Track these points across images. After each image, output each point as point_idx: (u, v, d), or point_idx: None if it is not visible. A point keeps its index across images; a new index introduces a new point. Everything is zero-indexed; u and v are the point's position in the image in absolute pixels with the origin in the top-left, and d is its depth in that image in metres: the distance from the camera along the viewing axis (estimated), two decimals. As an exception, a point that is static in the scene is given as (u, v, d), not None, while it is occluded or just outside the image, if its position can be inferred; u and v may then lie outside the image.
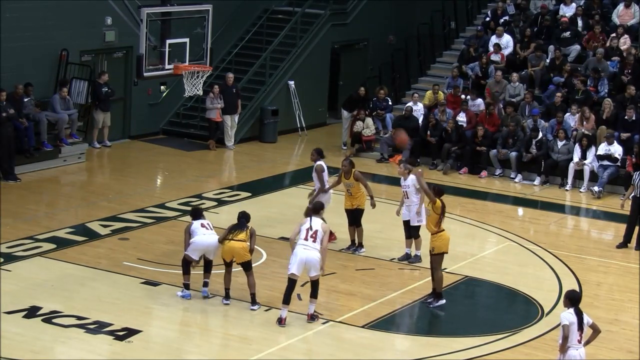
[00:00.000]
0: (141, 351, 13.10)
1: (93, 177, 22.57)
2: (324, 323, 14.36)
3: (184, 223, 18.80)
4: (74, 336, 13.44)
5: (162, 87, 26.08)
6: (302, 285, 15.69)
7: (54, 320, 13.84)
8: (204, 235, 14.98)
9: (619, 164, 22.32)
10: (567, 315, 11.60)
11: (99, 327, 13.68)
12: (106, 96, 24.20)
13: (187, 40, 23.92)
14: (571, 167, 22.63)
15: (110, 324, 13.79)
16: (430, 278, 15.42)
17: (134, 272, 16.00)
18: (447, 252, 15.10)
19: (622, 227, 20.16)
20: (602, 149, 22.48)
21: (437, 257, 14.94)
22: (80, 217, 18.96)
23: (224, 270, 14.96)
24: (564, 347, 11.52)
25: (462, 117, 24.54)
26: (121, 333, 13.56)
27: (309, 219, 14.13)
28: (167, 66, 23.71)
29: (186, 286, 15.01)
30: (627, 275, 17.23)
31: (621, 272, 17.36)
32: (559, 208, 21.57)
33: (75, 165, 22.87)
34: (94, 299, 14.74)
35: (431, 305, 15.08)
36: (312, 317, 14.25)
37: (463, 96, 25.18)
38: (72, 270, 15.99)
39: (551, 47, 26.26)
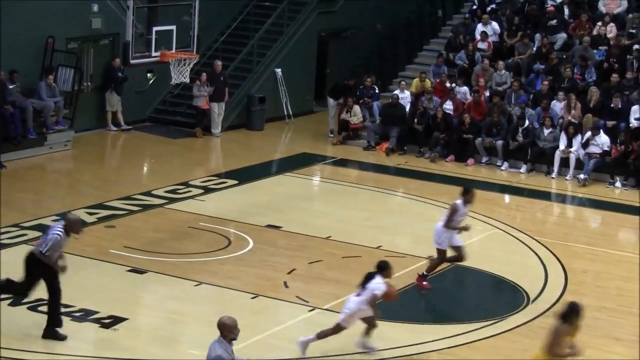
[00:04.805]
0: (128, 339, 13.09)
1: (79, 165, 22.51)
2: (310, 310, 14.38)
3: (171, 211, 18.87)
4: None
5: (148, 75, 26.00)
6: (289, 273, 15.73)
7: (40, 309, 13.79)
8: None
9: (606, 148, 22.35)
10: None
11: (84, 315, 13.65)
12: (122, 80, 24.50)
13: (174, 27, 23.85)
14: (557, 155, 22.67)
15: (96, 312, 13.77)
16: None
17: (121, 259, 15.97)
18: None
19: (608, 215, 20.36)
20: (587, 138, 22.47)
21: None
22: (67, 204, 18.87)
23: (207, 258, 14.90)
24: None
25: (448, 105, 24.55)
26: (107, 321, 13.54)
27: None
28: (153, 53, 23.68)
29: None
30: (612, 262, 17.28)
31: (607, 259, 17.41)
32: (545, 196, 21.62)
33: (61, 153, 22.80)
34: (79, 287, 14.69)
35: None
36: None
37: (448, 84, 25.20)
38: (58, 258, 15.93)
39: (538, 35, 26.29)
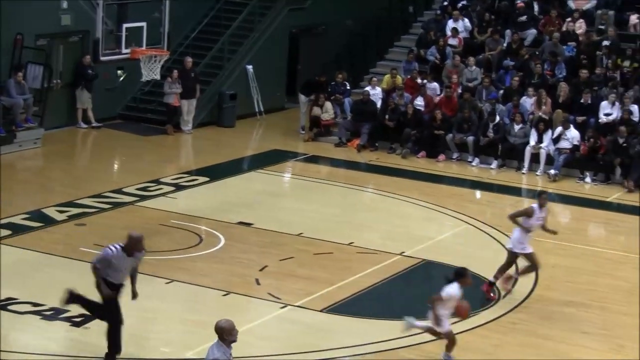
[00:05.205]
0: (99, 337, 12.99)
1: (49, 163, 22.39)
2: (282, 307, 14.38)
3: (142, 208, 18.81)
4: (30, 323, 13.36)
5: (119, 72, 25.87)
6: (260, 270, 15.73)
7: (10, 307, 13.72)
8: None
9: (576, 143, 22.48)
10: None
11: (55, 314, 13.58)
12: (92, 78, 24.38)
13: (144, 24, 23.82)
14: (527, 151, 22.78)
15: (67, 310, 13.69)
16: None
17: (91, 257, 15.76)
18: None
19: (577, 210, 20.47)
20: (558, 132, 22.61)
21: None
22: (36, 202, 18.78)
23: (179, 256, 14.84)
24: None
25: (420, 101, 24.62)
26: (78, 319, 13.48)
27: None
28: (124, 50, 23.65)
29: None
30: (582, 257, 17.39)
31: (576, 255, 17.51)
32: (515, 191, 21.73)
33: (31, 151, 22.66)
34: (50, 285, 14.63)
35: None
36: None
37: (419, 80, 25.26)
38: (28, 257, 15.86)
39: (508, 32, 26.41)
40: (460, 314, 12.79)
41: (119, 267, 12.05)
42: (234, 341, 9.61)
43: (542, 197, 15.25)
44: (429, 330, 12.68)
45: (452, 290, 12.37)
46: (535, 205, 15.09)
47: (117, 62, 24.66)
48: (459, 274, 12.55)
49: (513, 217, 15.10)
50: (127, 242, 12.09)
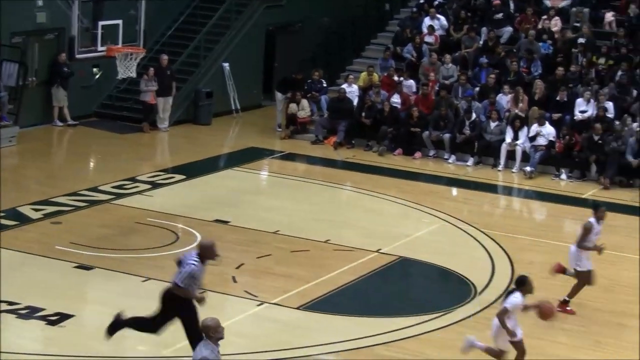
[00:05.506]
0: (74, 336, 12.99)
1: (25, 161, 22.26)
2: (258, 305, 14.37)
3: (118, 206, 18.74)
4: (5, 322, 13.28)
5: (94, 70, 25.76)
6: (237, 268, 15.72)
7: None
8: None
9: (552, 139, 22.57)
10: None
11: (30, 312, 13.52)
12: (67, 75, 24.29)
13: (120, 22, 23.69)
14: (504, 148, 22.85)
15: (43, 309, 13.65)
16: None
17: (67, 256, 15.83)
18: None
19: (553, 207, 20.55)
20: (534, 130, 22.71)
21: None
22: (12, 201, 18.64)
23: (155, 254, 14.76)
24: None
25: (396, 99, 24.65)
26: (54, 318, 13.43)
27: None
28: (100, 48, 23.51)
29: None
30: (558, 253, 17.37)
31: (552, 251, 17.56)
32: (491, 188, 21.80)
33: (6, 149, 22.51)
34: (25, 284, 14.57)
35: None
36: None
37: (396, 77, 25.29)
38: (3, 255, 15.73)
39: (484, 29, 26.50)
40: (547, 317, 12.46)
41: (200, 280, 11.78)
42: (221, 338, 9.62)
43: (600, 209, 14.60)
44: (488, 350, 12.29)
45: (516, 299, 12.00)
46: (592, 219, 14.54)
47: (93, 59, 24.52)
48: (521, 282, 12.14)
49: (583, 247, 14.53)
50: (200, 251, 11.72)
